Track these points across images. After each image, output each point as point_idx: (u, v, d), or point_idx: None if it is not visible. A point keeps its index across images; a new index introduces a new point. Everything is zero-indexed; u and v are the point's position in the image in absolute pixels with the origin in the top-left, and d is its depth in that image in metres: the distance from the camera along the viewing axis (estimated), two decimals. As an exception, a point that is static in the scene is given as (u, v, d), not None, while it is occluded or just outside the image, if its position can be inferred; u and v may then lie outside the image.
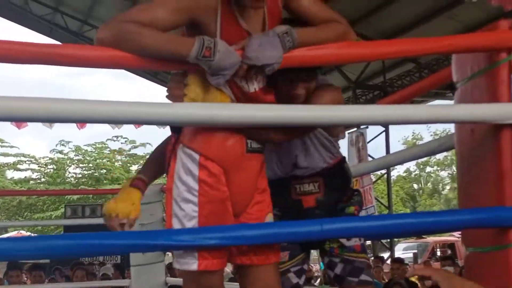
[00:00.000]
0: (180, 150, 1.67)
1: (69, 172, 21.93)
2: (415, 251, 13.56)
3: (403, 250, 14.35)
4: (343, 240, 2.04)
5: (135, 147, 21.51)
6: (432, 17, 8.32)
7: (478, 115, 1.67)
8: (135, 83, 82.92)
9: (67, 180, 21.44)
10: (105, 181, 20.43)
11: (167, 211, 1.73)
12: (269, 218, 1.78)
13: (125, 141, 21.25)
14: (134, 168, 21.38)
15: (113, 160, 21.71)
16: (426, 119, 1.75)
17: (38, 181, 22.21)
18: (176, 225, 1.66)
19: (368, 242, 9.43)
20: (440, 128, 27.28)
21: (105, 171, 20.99)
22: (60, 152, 21.45)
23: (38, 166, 22.20)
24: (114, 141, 21.12)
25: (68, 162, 21.68)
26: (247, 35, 1.60)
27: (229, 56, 1.50)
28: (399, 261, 7.14)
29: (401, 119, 1.72)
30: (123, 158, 22.08)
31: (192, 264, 1.61)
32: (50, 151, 21.60)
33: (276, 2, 1.71)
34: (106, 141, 21.28)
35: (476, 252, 1.76)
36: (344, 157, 2.14)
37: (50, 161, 21.97)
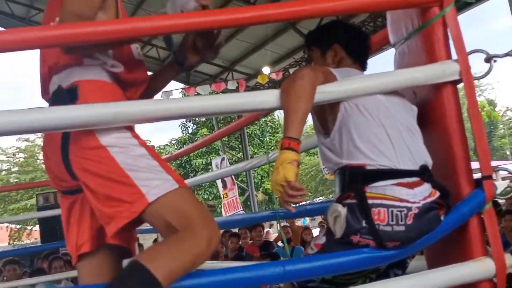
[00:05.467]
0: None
1: (40, 159, 21.56)
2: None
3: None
4: None
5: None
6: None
7: (416, 79, 1.62)
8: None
9: (38, 167, 21.07)
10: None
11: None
12: None
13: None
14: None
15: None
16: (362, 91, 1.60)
17: (9, 171, 21.85)
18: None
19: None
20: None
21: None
22: (27, 140, 21.06)
23: (7, 157, 21.81)
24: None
25: (36, 149, 21.29)
26: None
27: None
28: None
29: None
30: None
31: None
32: (16, 140, 21.22)
33: None
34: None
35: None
36: None
37: (18, 150, 21.56)
